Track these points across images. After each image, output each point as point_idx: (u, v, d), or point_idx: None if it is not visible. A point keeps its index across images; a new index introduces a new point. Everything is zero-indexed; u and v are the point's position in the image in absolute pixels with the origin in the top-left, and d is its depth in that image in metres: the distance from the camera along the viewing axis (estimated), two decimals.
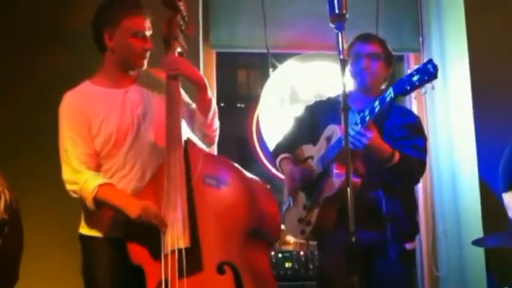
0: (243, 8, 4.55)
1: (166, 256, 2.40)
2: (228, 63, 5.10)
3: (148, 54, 2.70)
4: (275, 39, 4.53)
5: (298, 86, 4.64)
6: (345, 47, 2.55)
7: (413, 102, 4.47)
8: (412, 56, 4.75)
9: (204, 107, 2.76)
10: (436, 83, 4.30)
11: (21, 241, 2.99)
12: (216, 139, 2.88)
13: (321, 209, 2.96)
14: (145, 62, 2.72)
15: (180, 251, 2.39)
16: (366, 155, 2.84)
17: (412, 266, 3.30)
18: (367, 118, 2.77)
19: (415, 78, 2.56)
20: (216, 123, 2.84)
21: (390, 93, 2.67)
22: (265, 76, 4.64)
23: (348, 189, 2.29)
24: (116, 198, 2.57)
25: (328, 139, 2.99)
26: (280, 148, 3.31)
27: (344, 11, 2.47)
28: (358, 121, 2.80)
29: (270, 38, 4.48)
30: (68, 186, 2.63)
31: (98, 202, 2.56)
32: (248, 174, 2.63)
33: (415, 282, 4.36)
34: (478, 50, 4.17)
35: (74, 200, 2.62)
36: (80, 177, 2.58)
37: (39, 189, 3.82)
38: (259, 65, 4.84)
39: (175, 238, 2.41)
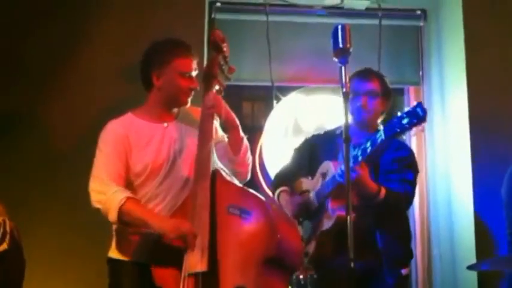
0: (249, 42, 4.64)
1: (185, 279, 2.52)
2: (234, 95, 5.23)
3: (192, 93, 2.85)
4: (279, 73, 4.63)
5: (301, 118, 4.72)
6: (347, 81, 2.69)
7: (413, 132, 4.58)
8: (412, 89, 4.85)
9: (236, 146, 2.90)
10: (435, 114, 4.51)
11: (23, 270, 3.05)
12: (249, 175, 2.99)
13: (318, 242, 3.08)
14: (189, 100, 2.88)
15: (197, 274, 2.51)
16: (358, 192, 2.93)
17: None
18: (360, 158, 2.86)
19: (405, 121, 2.59)
20: (248, 160, 2.96)
21: (381, 135, 2.73)
22: (269, 108, 4.74)
23: (348, 219, 2.42)
24: (145, 212, 2.69)
25: (323, 175, 3.11)
26: (278, 180, 3.42)
27: (348, 46, 2.60)
28: (351, 159, 2.87)
29: (274, 72, 4.57)
30: (94, 196, 2.72)
31: (122, 215, 2.63)
32: (273, 207, 2.75)
33: None
34: (477, 84, 4.27)
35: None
36: (108, 188, 2.69)
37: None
38: (264, 98, 4.95)
39: (195, 262, 2.52)
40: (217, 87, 2.88)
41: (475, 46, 4.32)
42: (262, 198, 2.71)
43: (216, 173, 2.73)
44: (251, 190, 2.75)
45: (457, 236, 4.29)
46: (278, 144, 4.71)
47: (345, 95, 2.50)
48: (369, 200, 2.98)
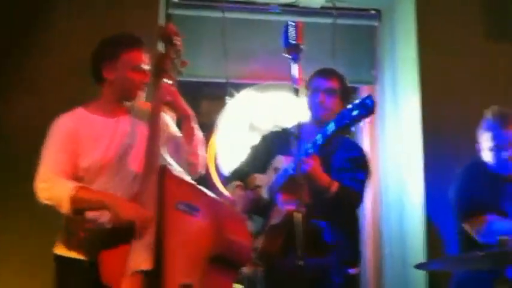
0: (205, 39, 4.64)
1: (131, 276, 2.48)
2: (189, 92, 5.21)
3: (145, 86, 2.84)
4: (234, 70, 4.65)
5: (255, 115, 4.74)
6: (301, 77, 2.70)
7: (365, 133, 4.64)
8: (366, 89, 4.89)
9: (189, 136, 2.89)
10: (388, 114, 4.55)
11: None
12: (201, 169, 2.97)
13: (266, 236, 3.08)
14: (142, 94, 2.86)
15: (142, 272, 2.47)
16: (310, 186, 2.94)
17: None
18: (311, 151, 2.90)
19: (355, 113, 2.62)
20: (201, 152, 2.94)
21: (332, 127, 2.76)
22: (224, 105, 4.75)
23: (296, 214, 2.42)
24: (100, 193, 2.66)
25: (276, 170, 3.13)
26: (233, 175, 3.44)
27: (299, 42, 2.60)
28: (302, 154, 2.90)
29: (229, 69, 4.59)
30: (40, 193, 2.68)
31: (76, 202, 2.60)
32: (222, 204, 2.75)
33: None
34: (430, 85, 4.30)
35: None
36: (55, 177, 2.66)
37: None
38: (219, 94, 4.97)
39: (140, 260, 2.48)
40: (168, 81, 2.85)
41: (428, 47, 4.36)
42: (211, 194, 2.69)
43: (165, 169, 2.71)
44: (200, 187, 2.74)
45: (408, 236, 4.33)
46: (232, 140, 4.71)
47: (296, 92, 2.54)
48: (321, 194, 3.00)
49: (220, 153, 4.72)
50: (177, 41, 2.86)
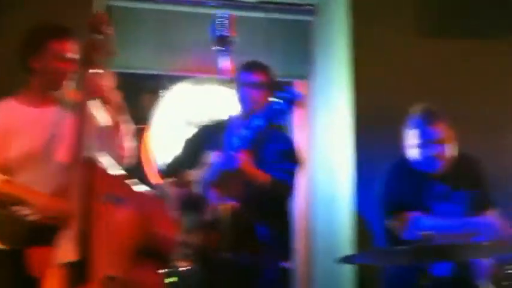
0: (142, 31, 4.61)
1: (58, 268, 2.47)
2: (123, 84, 5.16)
3: (72, 76, 2.83)
4: (171, 63, 4.64)
5: (190, 108, 4.75)
6: (232, 69, 2.72)
7: (298, 127, 4.68)
8: (300, 83, 4.86)
9: (116, 127, 2.89)
10: (321, 109, 4.59)
11: None
12: (129, 160, 2.98)
13: (201, 232, 3.09)
14: (69, 84, 2.86)
15: (68, 264, 2.46)
16: (242, 181, 3.00)
17: (289, 283, 3.43)
18: (241, 146, 2.94)
19: (280, 106, 2.69)
20: (128, 144, 2.95)
21: (259, 121, 2.82)
22: (158, 97, 4.76)
23: (229, 209, 2.44)
24: (20, 188, 2.67)
25: (208, 165, 3.15)
26: (167, 171, 3.46)
27: (230, 34, 2.62)
28: (233, 149, 2.95)
29: (165, 61, 4.59)
30: None
31: None
32: (148, 194, 2.75)
33: None
34: (362, 82, 4.33)
35: None
36: None
37: None
38: (154, 87, 4.95)
39: (67, 251, 2.47)
40: (96, 70, 2.83)
41: (361, 43, 4.40)
42: (139, 187, 2.71)
43: (91, 160, 2.69)
44: (127, 179, 2.74)
45: (337, 230, 4.36)
46: (166, 133, 4.72)
47: (226, 84, 2.54)
48: (252, 187, 3.04)
49: (156, 147, 4.70)
50: (106, 30, 2.83)
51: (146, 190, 2.76)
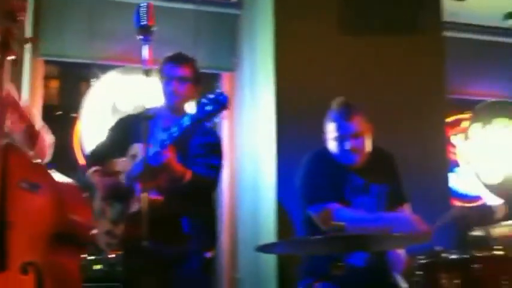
0: (72, 19, 4.59)
1: None
2: (55, 72, 5.14)
3: None
4: (100, 51, 4.64)
5: (119, 98, 4.73)
6: (151, 59, 2.73)
7: (224, 118, 4.72)
8: (227, 76, 4.98)
9: (31, 141, 2.88)
10: (246, 101, 4.65)
11: None
12: (44, 157, 2.96)
13: (126, 224, 3.11)
14: None
15: None
16: (167, 176, 3.03)
17: (212, 272, 3.51)
18: (167, 143, 2.94)
19: (209, 108, 2.69)
20: (47, 149, 2.95)
21: (186, 121, 2.82)
22: (89, 86, 4.75)
23: (148, 203, 2.49)
24: None
25: (134, 157, 3.16)
26: (91, 159, 3.44)
27: (150, 24, 2.64)
28: (158, 145, 2.96)
29: (96, 50, 4.59)
30: None
31: None
32: (64, 181, 2.70)
33: (216, 286, 4.58)
34: (285, 77, 4.40)
35: None
36: None
37: None
38: (84, 76, 4.94)
39: None
40: (13, 57, 2.73)
41: (285, 37, 4.45)
42: (53, 173, 2.67)
43: (8, 147, 2.65)
44: (43, 165, 2.74)
45: (261, 220, 4.42)
46: (96, 123, 4.69)
47: (146, 74, 2.61)
48: (176, 182, 3.07)
49: (85, 135, 4.69)
50: (21, 16, 2.77)
51: (63, 178, 2.73)
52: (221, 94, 2.71)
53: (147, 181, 2.71)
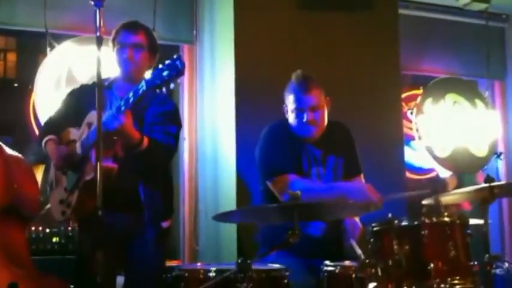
0: None
1: None
2: (29, 45, 5.07)
3: None
4: (55, 20, 4.56)
5: (75, 68, 4.65)
6: (102, 26, 2.67)
7: (184, 91, 4.75)
8: (186, 48, 4.94)
9: None
10: (206, 73, 4.67)
11: None
12: None
13: (80, 192, 3.08)
14: None
15: None
16: (123, 142, 3.01)
17: (167, 239, 3.49)
18: (123, 108, 2.91)
19: (165, 73, 2.69)
20: None
21: (142, 86, 2.80)
22: (43, 56, 4.64)
23: (109, 170, 2.48)
24: None
25: (89, 125, 3.12)
26: (46, 129, 3.39)
27: None
28: (114, 110, 2.93)
29: (50, 18, 4.50)
30: None
31: None
32: (10, 153, 2.67)
33: (171, 257, 4.54)
34: (244, 48, 4.45)
35: None
36: None
37: None
38: (38, 45, 4.86)
39: None
40: None
41: (244, 10, 4.48)
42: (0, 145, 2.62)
43: None
44: None
45: (221, 191, 4.49)
46: (51, 94, 4.60)
47: (98, 40, 2.54)
48: (132, 149, 3.05)
49: (39, 106, 4.62)
50: None
51: (10, 150, 2.71)
52: (178, 59, 2.69)
53: (103, 148, 2.65)
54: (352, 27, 4.80)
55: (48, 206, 4.29)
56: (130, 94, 2.89)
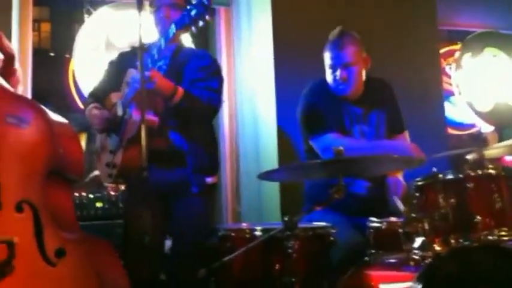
0: None
1: None
2: (62, 15, 5.11)
3: None
4: None
5: (113, 34, 4.67)
6: None
7: (222, 52, 4.75)
8: (222, 10, 4.90)
9: (10, 76, 2.88)
10: (243, 35, 4.65)
11: None
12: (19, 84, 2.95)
13: (124, 151, 3.08)
14: None
15: None
16: (161, 97, 3.01)
17: (213, 199, 3.47)
18: (156, 56, 2.96)
19: (193, 12, 2.70)
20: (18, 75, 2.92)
21: (172, 29, 2.83)
22: (80, 23, 4.70)
23: (142, 127, 2.49)
24: None
25: (127, 83, 3.13)
26: (90, 99, 3.41)
27: None
28: (149, 62, 2.94)
29: None
30: None
31: None
32: (54, 117, 2.65)
33: (216, 215, 4.58)
34: (281, 6, 4.44)
35: None
36: None
37: None
38: (76, 12, 4.89)
39: None
40: None
41: None
42: (42, 106, 2.63)
43: None
44: (28, 98, 2.73)
45: (262, 152, 4.49)
46: (90, 60, 4.64)
47: (139, 6, 2.60)
48: (169, 101, 3.05)
49: (79, 72, 4.67)
50: None
51: (53, 114, 2.69)
52: None
53: (143, 104, 2.64)
54: None
55: (93, 174, 4.38)
56: (162, 40, 2.91)
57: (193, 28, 2.76)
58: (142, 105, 2.56)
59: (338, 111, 3.48)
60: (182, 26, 2.77)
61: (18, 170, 2.47)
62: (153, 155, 2.57)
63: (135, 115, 2.99)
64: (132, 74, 3.10)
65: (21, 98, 2.68)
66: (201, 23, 2.73)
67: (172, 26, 2.83)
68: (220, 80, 3.29)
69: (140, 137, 2.54)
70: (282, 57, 4.40)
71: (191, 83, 3.19)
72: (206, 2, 2.69)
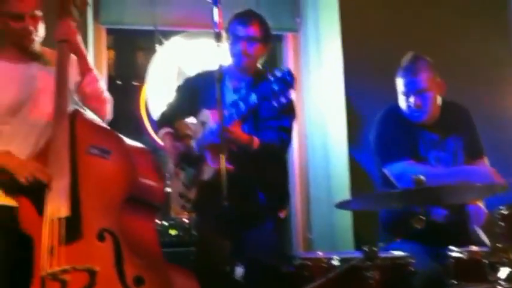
0: None
1: (48, 224, 2.46)
2: (117, 40, 5.20)
3: (35, 32, 2.79)
4: (163, 17, 4.60)
5: (184, 63, 4.71)
6: (221, 21, 2.69)
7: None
8: (290, 36, 4.91)
9: (84, 75, 2.86)
10: (312, 60, 4.64)
11: None
12: (108, 113, 2.96)
13: (198, 190, 3.15)
14: (36, 39, 2.81)
15: (60, 219, 2.46)
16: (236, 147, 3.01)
17: (285, 232, 3.52)
18: (235, 117, 2.91)
19: (275, 87, 2.67)
20: (102, 95, 2.93)
21: (254, 99, 2.80)
22: (152, 53, 4.70)
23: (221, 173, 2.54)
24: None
25: (203, 123, 3.15)
26: (161, 121, 3.45)
27: None
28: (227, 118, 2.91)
29: (157, 15, 4.55)
30: None
31: None
32: (134, 144, 2.72)
33: (288, 246, 4.61)
34: (351, 29, 4.42)
35: None
36: None
37: None
38: (147, 42, 4.95)
39: (57, 206, 2.48)
40: (70, 22, 2.81)
41: None
42: (122, 137, 2.70)
43: (76, 113, 2.72)
44: (110, 128, 2.76)
45: (333, 178, 4.45)
46: (162, 89, 4.68)
47: (217, 37, 2.59)
48: (246, 151, 3.06)
49: (151, 101, 4.72)
50: None
51: (133, 142, 2.76)
52: (288, 74, 2.68)
53: (216, 153, 2.70)
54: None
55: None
56: (242, 104, 2.88)
57: (274, 102, 2.74)
58: (219, 153, 2.59)
59: (412, 137, 3.41)
60: (263, 99, 2.77)
61: (99, 200, 2.54)
62: (229, 198, 2.59)
63: (211, 161, 3.03)
64: (208, 115, 3.12)
65: (102, 128, 2.75)
66: (283, 100, 2.71)
67: (254, 98, 2.80)
68: (293, 118, 3.31)
69: (215, 183, 2.59)
70: (353, 82, 4.36)
71: (264, 120, 3.19)
72: (289, 79, 2.67)
